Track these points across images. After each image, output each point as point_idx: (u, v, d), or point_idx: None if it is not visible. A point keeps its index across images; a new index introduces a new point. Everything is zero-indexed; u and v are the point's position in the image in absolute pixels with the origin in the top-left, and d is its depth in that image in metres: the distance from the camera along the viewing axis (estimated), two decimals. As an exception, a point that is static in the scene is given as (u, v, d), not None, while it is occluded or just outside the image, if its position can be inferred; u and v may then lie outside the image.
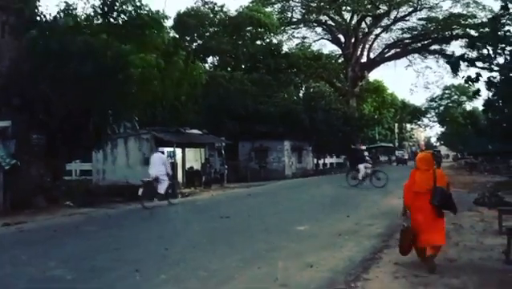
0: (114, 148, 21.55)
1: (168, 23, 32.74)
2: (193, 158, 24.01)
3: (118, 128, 19.23)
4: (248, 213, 13.09)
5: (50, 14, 15.47)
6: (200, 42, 35.50)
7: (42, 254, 7.74)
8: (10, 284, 5.77)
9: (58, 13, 15.24)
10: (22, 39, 14.56)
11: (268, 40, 37.52)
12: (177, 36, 31.61)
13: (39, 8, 15.31)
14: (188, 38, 34.56)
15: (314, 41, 51.41)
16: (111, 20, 16.06)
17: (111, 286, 5.64)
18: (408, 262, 6.23)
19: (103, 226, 10.97)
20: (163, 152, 16.70)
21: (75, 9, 15.63)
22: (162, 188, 14.70)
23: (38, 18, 14.96)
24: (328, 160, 44.21)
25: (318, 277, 5.81)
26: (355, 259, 6.70)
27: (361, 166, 19.81)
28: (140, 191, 14.35)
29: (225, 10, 36.44)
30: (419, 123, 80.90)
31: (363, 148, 26.18)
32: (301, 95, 40.68)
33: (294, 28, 49.62)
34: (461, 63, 16.98)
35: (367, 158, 21.31)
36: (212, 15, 35.96)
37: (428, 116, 75.88)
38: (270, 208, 14.04)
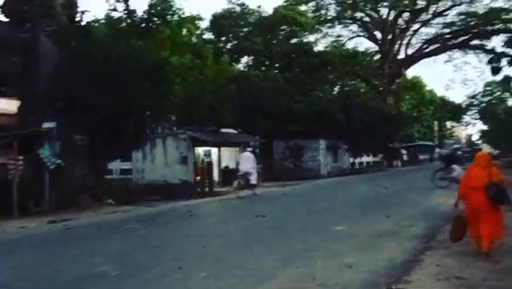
0: (153, 148, 22.02)
1: (204, 25, 33.32)
2: (229, 157, 24.22)
3: (156, 128, 19.68)
4: (284, 212, 13.11)
5: (90, 21, 16.03)
6: (234, 42, 35.78)
7: (87, 251, 8.04)
8: (59, 280, 6.03)
9: (95, 21, 15.76)
10: (64, 45, 15.13)
11: (302, 39, 37.36)
12: (213, 37, 32.04)
13: (80, 15, 15.86)
14: (223, 39, 34.91)
15: (350, 38, 50.71)
16: (149, 24, 16.44)
17: (154, 282, 5.80)
18: (451, 264, 6.09)
19: (143, 224, 11.26)
20: (251, 152, 18.93)
21: (114, 10, 16.07)
22: (253, 179, 17.25)
23: (79, 25, 15.48)
24: (365, 159, 43.53)
25: (357, 278, 5.77)
26: (396, 261, 6.60)
27: (456, 167, 17.81)
28: (235, 183, 18.05)
29: (260, 10, 36.63)
30: (460, 120, 78.28)
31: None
32: (335, 93, 40.23)
33: (328, 26, 49.11)
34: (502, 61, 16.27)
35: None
36: (246, 16, 36.16)
37: (469, 113, 73.32)
38: (307, 207, 14.00)
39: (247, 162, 17.30)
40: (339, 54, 38.44)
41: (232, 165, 24.02)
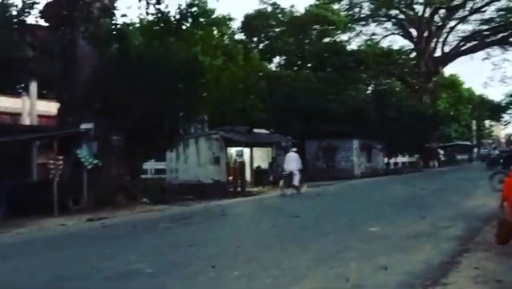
0: (186, 148, 22.36)
1: (236, 25, 33.56)
2: (261, 157, 24.27)
3: (189, 128, 19.96)
4: (317, 212, 13.02)
5: (125, 23, 16.37)
6: (266, 42, 35.86)
7: (123, 248, 8.24)
8: (97, 276, 6.20)
9: (130, 24, 16.08)
10: (101, 47, 15.54)
11: (335, 38, 37.03)
12: (244, 38, 32.19)
13: (116, 17, 16.23)
14: (255, 40, 35.05)
15: (384, 36, 49.82)
16: (181, 25, 16.64)
17: (188, 281, 5.87)
18: (491, 267, 5.88)
19: (177, 223, 11.42)
20: (296, 152, 19.14)
21: (148, 14, 16.35)
22: (296, 180, 17.70)
23: (116, 28, 15.85)
24: (400, 160, 42.66)
25: (392, 280, 5.66)
26: (433, 263, 6.42)
27: None
28: (281, 182, 18.10)
29: (292, 9, 36.55)
30: (499, 119, 75.47)
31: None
32: (370, 92, 39.62)
33: (362, 25, 48.41)
34: None
35: None
36: (278, 16, 36.17)
37: (509, 112, 70.52)
38: (340, 208, 13.86)
39: (292, 162, 17.90)
40: (373, 53, 37.80)
41: (264, 166, 24.08)
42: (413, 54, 49.68)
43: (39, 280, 6.13)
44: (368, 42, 46.07)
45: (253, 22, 34.07)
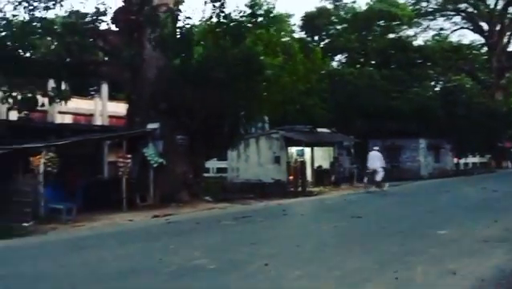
0: (247, 148, 22.61)
1: (296, 23, 33.43)
2: (322, 157, 23.99)
3: (250, 128, 20.15)
4: (381, 213, 12.67)
5: (190, 25, 16.80)
6: (327, 40, 35.41)
7: (187, 244, 8.49)
8: (162, 271, 6.42)
9: (192, 26, 16.45)
10: (166, 50, 16.09)
11: (400, 34, 35.79)
12: (305, 36, 31.97)
13: (180, 20, 16.71)
14: (316, 38, 34.73)
15: (453, 31, 47.36)
16: (242, 26, 16.80)
17: (249, 278, 5.93)
18: None
19: (239, 221, 11.57)
20: (378, 150, 19.95)
21: (211, 17, 16.69)
22: (379, 177, 18.64)
23: (181, 31, 16.32)
24: (470, 160, 40.41)
25: (462, 285, 5.38)
26: (506, 268, 6.02)
27: None
28: (365, 179, 19.20)
29: (354, 5, 35.85)
30: None
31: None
32: (437, 89, 37.87)
33: (429, 19, 46.35)
34: None
35: None
36: (340, 13, 35.58)
37: None
38: (406, 209, 13.38)
39: (376, 160, 18.87)
40: (441, 48, 36.07)
41: (325, 165, 23.76)
42: (484, 49, 46.84)
43: (109, 271, 6.46)
44: (436, 38, 44.05)
45: (314, 20, 33.75)
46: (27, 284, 6.06)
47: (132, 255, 7.73)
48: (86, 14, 16.72)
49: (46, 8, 16.45)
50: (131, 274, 6.24)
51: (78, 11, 17.07)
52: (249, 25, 16.11)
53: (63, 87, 17.80)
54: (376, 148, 20.50)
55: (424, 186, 22.60)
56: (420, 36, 44.06)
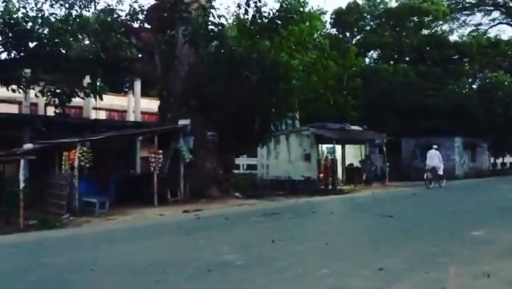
0: (277, 145, 22.55)
1: (328, 19, 33.06)
2: (353, 155, 23.67)
3: (280, 125, 20.09)
4: (413, 213, 12.40)
5: (222, 23, 16.88)
6: (360, 36, 34.85)
7: (215, 240, 8.56)
8: (190, 265, 6.50)
9: (223, 24, 16.50)
10: (197, 47, 16.23)
11: (435, 29, 34.82)
12: (337, 33, 31.56)
13: (211, 18, 16.80)
14: (348, 34, 34.25)
15: (491, 26, 45.72)
16: (276, 22, 16.72)
17: (276, 274, 5.91)
18: None
19: (268, 218, 11.57)
20: (436, 149, 20.94)
21: (246, 13, 16.67)
22: (441, 170, 20.23)
23: (212, 28, 16.42)
24: (508, 160, 38.94)
25: (496, 288, 5.19)
26: (544, 273, 5.78)
27: None
28: (426, 175, 19.90)
29: (386, 0, 35.07)
30: None
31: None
32: (474, 86, 36.65)
33: (466, 14, 44.89)
34: None
35: None
36: (372, 8, 34.93)
37: None
38: (438, 209, 13.03)
39: (435, 158, 20.20)
40: (478, 44, 34.86)
41: (356, 163, 23.42)
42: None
43: (139, 264, 6.59)
44: (474, 34, 42.61)
45: (345, 16, 33.24)
46: (65, 274, 6.26)
47: (162, 249, 7.86)
48: (119, 13, 17.09)
49: (83, 6, 16.91)
50: (160, 267, 6.33)
51: (112, 9, 17.46)
52: (280, 22, 16.00)
53: (98, 83, 18.28)
54: (435, 146, 21.33)
55: (459, 186, 21.98)
56: (457, 32, 42.77)
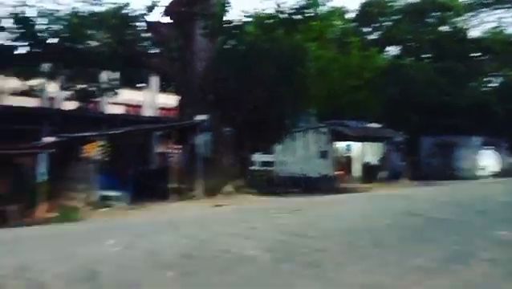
0: (293, 141, 22.38)
1: (350, 16, 32.72)
2: (371, 153, 23.40)
3: (297, 121, 19.93)
4: (436, 212, 12.13)
5: (241, 19, 16.76)
6: (380, 32, 34.46)
7: (238, 235, 8.43)
8: (216, 259, 6.39)
9: (242, 20, 16.40)
10: (215, 42, 16.15)
11: (456, 25, 34.21)
12: (359, 27, 31.21)
13: (229, 13, 16.72)
14: (370, 29, 33.89)
15: (513, 23, 44.78)
16: (296, 18, 16.55)
17: (301, 271, 5.77)
18: None
19: (286, 213, 11.43)
20: (491, 150, 23.59)
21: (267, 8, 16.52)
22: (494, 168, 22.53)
23: (231, 23, 16.32)
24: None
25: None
26: None
27: None
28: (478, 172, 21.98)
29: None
30: None
31: None
32: (497, 84, 35.91)
33: (488, 10, 44.00)
34: None
35: None
36: (393, 3, 34.50)
37: None
38: (462, 208, 12.73)
39: (487, 157, 22.56)
40: (501, 41, 34.14)
41: (374, 161, 23.12)
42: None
43: (165, 257, 6.51)
44: (496, 30, 41.78)
45: (367, 11, 32.90)
46: (91, 265, 6.22)
47: (184, 243, 7.77)
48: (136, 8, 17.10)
49: (100, 1, 16.95)
50: (185, 260, 6.26)
51: (129, 4, 17.47)
52: (300, 17, 15.84)
53: (116, 78, 18.32)
54: (491, 147, 23.49)
55: (480, 186, 21.54)
56: (478, 28, 41.95)
